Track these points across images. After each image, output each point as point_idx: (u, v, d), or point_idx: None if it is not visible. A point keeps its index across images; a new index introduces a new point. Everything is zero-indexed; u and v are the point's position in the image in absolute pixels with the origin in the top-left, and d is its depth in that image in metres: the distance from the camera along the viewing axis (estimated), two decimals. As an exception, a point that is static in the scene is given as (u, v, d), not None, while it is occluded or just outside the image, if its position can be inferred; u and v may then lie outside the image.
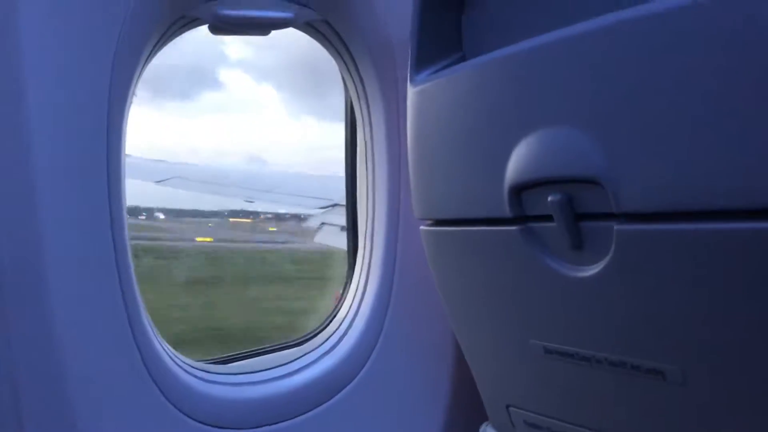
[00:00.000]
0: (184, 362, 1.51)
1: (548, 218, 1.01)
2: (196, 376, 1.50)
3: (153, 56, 1.45)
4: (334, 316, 1.69)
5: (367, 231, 1.64)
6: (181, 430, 1.42)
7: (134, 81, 1.38)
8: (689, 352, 0.89)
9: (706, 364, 0.87)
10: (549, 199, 0.98)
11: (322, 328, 1.69)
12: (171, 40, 1.48)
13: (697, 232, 0.81)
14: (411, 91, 1.27)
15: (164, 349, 1.47)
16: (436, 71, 1.24)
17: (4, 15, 1.25)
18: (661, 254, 0.86)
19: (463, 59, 1.25)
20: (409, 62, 1.28)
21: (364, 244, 1.65)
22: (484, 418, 1.42)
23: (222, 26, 1.47)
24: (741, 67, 0.73)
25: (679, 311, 0.87)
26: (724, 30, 0.75)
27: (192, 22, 1.47)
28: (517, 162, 1.04)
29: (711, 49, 0.76)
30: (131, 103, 1.40)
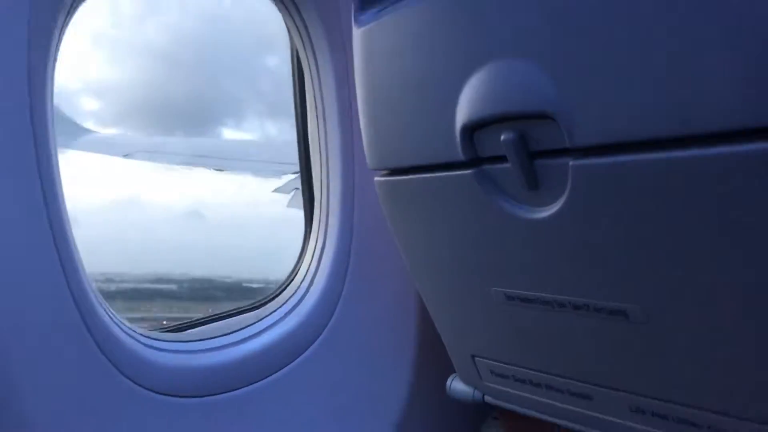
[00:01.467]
0: (134, 331, 1.44)
1: (503, 159, 0.96)
2: (147, 345, 1.43)
3: (73, 12, 1.34)
4: (294, 278, 1.63)
5: (322, 186, 1.58)
6: (132, 400, 1.36)
7: (55, 42, 1.28)
8: (650, 289, 0.85)
9: (667, 301, 0.84)
10: (502, 137, 0.93)
11: (281, 290, 1.63)
12: (80, 4, 1.36)
13: (653, 162, 0.77)
14: (356, 33, 1.20)
15: (113, 319, 1.40)
16: (381, 9, 1.17)
17: None
18: (618, 188, 0.82)
19: None
20: (352, 2, 1.20)
21: (320, 198, 1.59)
22: (451, 370, 1.39)
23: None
24: None
25: (638, 248, 0.84)
26: None
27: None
28: (467, 101, 0.98)
29: None
30: (55, 66, 1.30)
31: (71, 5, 1.31)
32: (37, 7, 1.22)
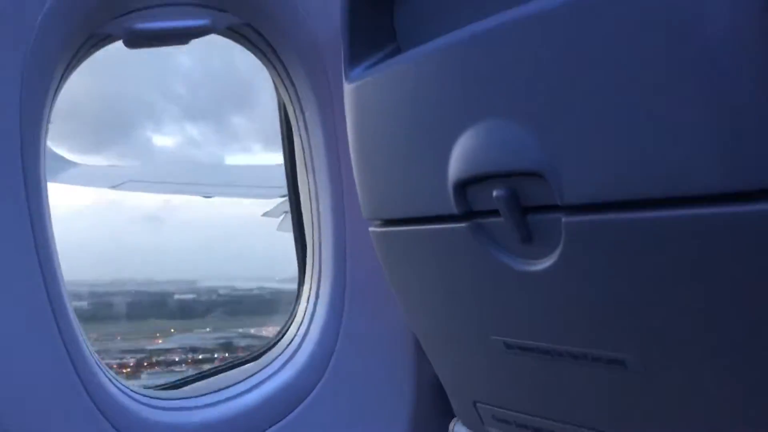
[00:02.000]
0: (131, 390, 1.44)
1: (496, 213, 0.98)
2: (146, 404, 1.43)
3: (67, 77, 1.37)
4: (289, 327, 1.64)
5: (314, 236, 1.59)
6: None
7: (48, 102, 1.30)
8: (647, 339, 0.87)
9: (665, 351, 0.86)
10: (494, 194, 0.96)
11: (276, 340, 1.64)
12: (85, 58, 1.40)
13: (642, 221, 0.80)
14: (347, 89, 1.22)
15: (110, 379, 1.40)
16: (371, 65, 1.20)
17: None
18: (610, 244, 0.84)
19: (398, 51, 1.21)
20: (342, 59, 1.23)
21: (312, 249, 1.61)
22: (452, 414, 1.40)
23: (138, 40, 1.40)
24: (676, 57, 0.71)
25: (633, 299, 0.86)
26: (659, 20, 0.72)
27: (104, 40, 1.39)
28: (459, 157, 1.00)
29: (646, 38, 0.74)
30: (47, 129, 1.32)
31: (63, 74, 1.33)
32: (29, 78, 1.24)
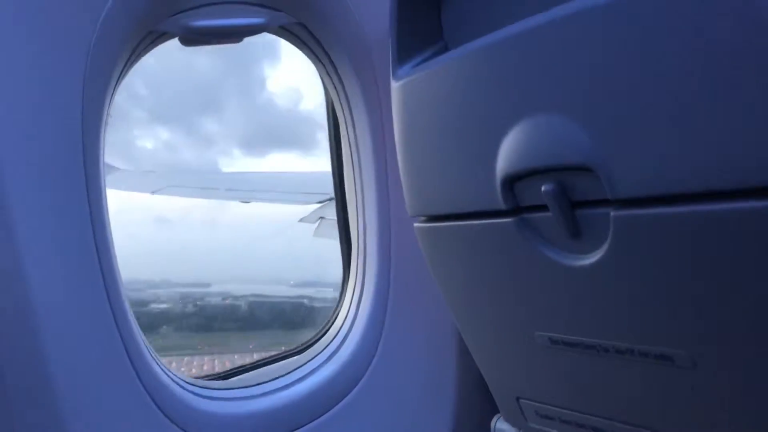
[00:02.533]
0: (182, 380, 1.49)
1: (543, 208, 0.99)
2: (195, 393, 1.47)
3: (126, 73, 1.42)
4: (333, 322, 1.66)
5: (359, 233, 1.62)
6: None
7: (108, 99, 1.35)
8: (696, 336, 0.87)
9: (715, 347, 0.86)
10: (543, 188, 0.96)
11: (320, 335, 1.67)
12: (143, 55, 1.45)
13: (694, 214, 0.80)
14: (394, 86, 1.24)
15: (161, 368, 1.44)
16: (419, 64, 1.22)
17: None
18: (659, 238, 0.84)
19: (445, 49, 1.23)
20: (390, 57, 1.25)
21: (357, 246, 1.63)
22: (494, 410, 1.40)
23: (193, 38, 1.44)
24: (730, 48, 0.72)
25: (682, 295, 0.86)
26: (711, 12, 0.72)
27: (162, 36, 1.44)
28: (507, 152, 1.01)
29: (698, 30, 0.74)
30: (107, 123, 1.37)
31: (122, 69, 1.38)
32: (92, 72, 1.29)
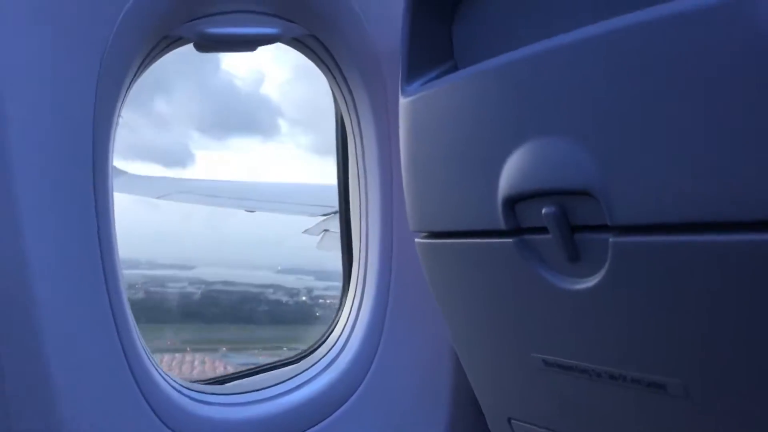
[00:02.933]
0: (178, 384, 1.49)
1: (543, 230, 1.00)
2: (191, 398, 1.48)
3: (138, 77, 1.44)
4: (331, 332, 1.67)
5: (361, 244, 1.63)
6: None
7: (119, 103, 1.37)
8: (690, 365, 0.87)
9: (708, 377, 0.86)
10: (543, 211, 0.97)
11: (318, 344, 1.67)
12: (156, 59, 1.47)
13: (693, 244, 0.80)
14: (402, 102, 1.26)
15: (158, 372, 1.45)
16: (428, 81, 1.23)
17: None
18: (658, 266, 0.85)
19: (454, 68, 1.24)
20: (399, 74, 1.27)
21: (359, 257, 1.64)
22: (485, 430, 1.40)
23: (208, 44, 1.46)
24: (735, 78, 0.72)
25: (679, 324, 0.86)
26: (717, 40, 0.73)
27: (176, 42, 1.46)
28: (510, 173, 1.02)
29: (704, 59, 0.75)
30: (117, 125, 1.39)
31: (135, 72, 1.40)
32: (105, 74, 1.31)
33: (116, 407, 1.37)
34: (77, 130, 1.31)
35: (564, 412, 1.14)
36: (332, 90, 1.64)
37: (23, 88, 1.27)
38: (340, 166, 1.71)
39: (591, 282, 0.94)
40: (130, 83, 1.41)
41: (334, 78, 1.59)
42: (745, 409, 0.85)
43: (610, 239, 0.89)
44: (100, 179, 1.34)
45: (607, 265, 0.91)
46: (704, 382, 0.87)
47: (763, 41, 0.70)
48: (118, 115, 1.39)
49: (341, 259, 1.76)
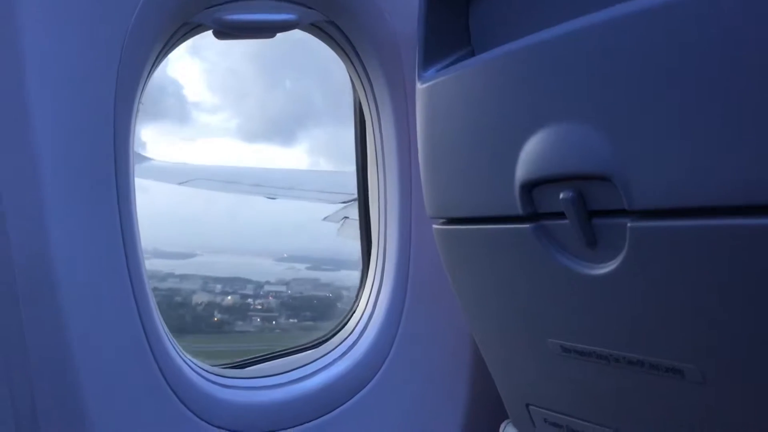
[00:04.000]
0: (200, 367, 1.51)
1: (561, 215, 0.99)
2: (212, 382, 1.50)
3: (158, 64, 1.45)
4: (350, 318, 1.68)
5: (380, 231, 1.63)
6: None
7: (140, 89, 1.38)
8: (708, 350, 0.87)
9: (725, 363, 0.86)
10: (561, 196, 0.97)
11: (337, 330, 1.68)
12: (176, 47, 1.48)
13: (711, 229, 0.79)
14: (419, 89, 1.25)
15: (180, 355, 1.47)
16: (445, 67, 1.23)
17: (5, 28, 1.26)
18: (676, 251, 0.84)
19: (471, 54, 1.24)
20: (416, 59, 1.26)
21: (377, 244, 1.64)
22: (503, 416, 1.40)
23: (227, 31, 1.46)
24: (755, 61, 0.71)
25: (696, 309, 0.85)
26: (737, 23, 0.72)
27: (196, 29, 1.46)
28: (527, 159, 1.02)
29: (723, 43, 0.74)
30: (138, 111, 1.40)
31: (155, 60, 1.41)
32: (126, 61, 1.32)
33: (139, 392, 1.39)
34: (99, 118, 1.33)
35: (582, 397, 1.13)
36: (351, 77, 1.64)
37: (45, 79, 1.29)
38: (358, 153, 1.71)
39: (609, 267, 0.94)
40: (150, 71, 1.42)
41: (353, 64, 1.59)
42: (762, 395, 0.85)
43: (628, 224, 0.89)
44: (122, 166, 1.36)
45: (625, 250, 0.91)
46: (721, 368, 0.87)
47: None
48: (139, 102, 1.40)
49: (360, 245, 1.76)
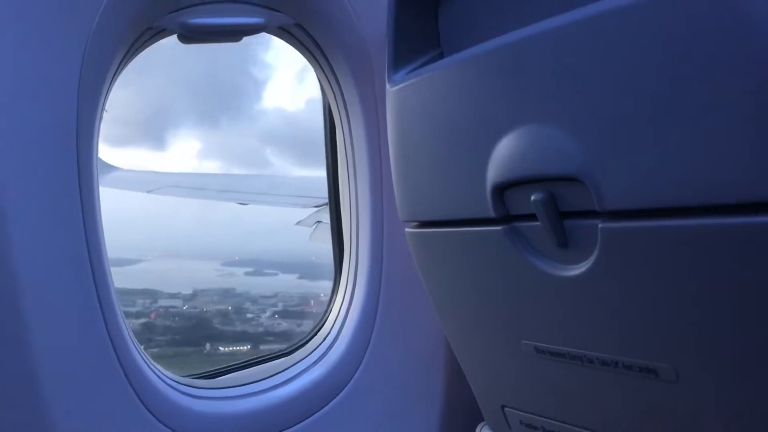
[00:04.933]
0: (170, 378, 1.48)
1: (533, 217, 0.99)
2: (183, 392, 1.47)
3: (122, 68, 1.42)
4: (323, 325, 1.66)
5: (352, 236, 1.62)
6: None
7: (103, 94, 1.35)
8: (680, 349, 0.87)
9: (699, 361, 0.86)
10: (532, 198, 0.96)
11: (310, 336, 1.66)
12: (140, 51, 1.45)
13: (681, 229, 0.80)
14: (390, 91, 1.24)
15: (148, 364, 1.44)
16: (414, 70, 1.22)
17: None
18: (646, 251, 0.85)
19: (441, 56, 1.23)
20: (386, 62, 1.25)
21: (349, 248, 1.63)
22: (479, 419, 1.40)
23: (192, 35, 1.44)
24: (719, 62, 0.72)
25: (668, 308, 0.86)
26: (702, 28, 0.73)
27: (160, 33, 1.44)
28: (498, 161, 1.02)
29: (688, 44, 0.74)
30: (102, 117, 1.37)
31: (119, 64, 1.38)
32: (88, 66, 1.29)
33: (107, 402, 1.36)
34: (61, 124, 1.29)
35: (556, 398, 1.13)
36: (320, 81, 1.62)
37: (4, 82, 1.25)
38: (328, 157, 1.70)
39: (581, 268, 0.94)
40: (114, 76, 1.39)
41: (322, 68, 1.57)
42: (733, 393, 0.85)
43: (599, 224, 0.89)
44: (86, 173, 1.32)
45: (596, 251, 0.91)
46: (694, 367, 0.87)
47: (746, 25, 0.69)
48: (102, 109, 1.37)
49: (332, 250, 1.75)
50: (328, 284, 1.72)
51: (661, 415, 0.95)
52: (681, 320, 0.85)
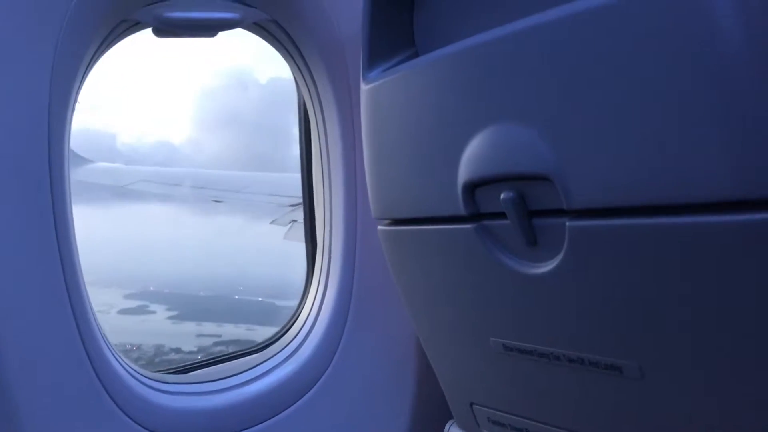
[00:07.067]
0: (139, 373, 1.47)
1: (502, 216, 1.00)
2: (152, 388, 1.46)
3: (95, 62, 1.41)
4: (295, 321, 1.66)
5: (325, 233, 1.62)
6: None
7: (76, 87, 1.34)
8: (645, 347, 0.89)
9: (663, 359, 0.88)
10: (501, 196, 0.98)
11: (282, 333, 1.66)
12: (113, 45, 1.44)
13: (648, 227, 0.81)
14: (364, 89, 1.25)
15: (118, 360, 1.43)
16: (389, 68, 1.23)
17: None
18: (614, 249, 0.86)
19: (416, 55, 1.24)
20: (361, 60, 1.26)
21: (323, 246, 1.63)
22: (448, 416, 1.41)
23: (166, 29, 1.43)
24: (687, 64, 0.73)
25: (634, 306, 0.87)
26: (667, 23, 0.74)
27: (134, 26, 1.43)
28: (469, 159, 1.03)
29: (655, 43, 0.76)
30: (74, 109, 1.36)
31: (92, 57, 1.37)
32: (60, 58, 1.28)
33: (75, 398, 1.35)
34: (32, 116, 1.28)
35: (524, 396, 1.15)
36: (295, 77, 1.62)
37: None
38: (303, 155, 1.70)
39: (549, 266, 0.95)
40: (87, 69, 1.38)
41: (296, 65, 1.57)
42: (698, 390, 0.87)
43: (567, 223, 0.90)
44: (57, 166, 1.31)
45: (564, 249, 0.92)
46: (659, 364, 0.89)
47: (712, 25, 0.71)
48: (75, 101, 1.36)
49: (305, 247, 1.75)
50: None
51: (628, 412, 0.97)
52: (646, 318, 0.87)
